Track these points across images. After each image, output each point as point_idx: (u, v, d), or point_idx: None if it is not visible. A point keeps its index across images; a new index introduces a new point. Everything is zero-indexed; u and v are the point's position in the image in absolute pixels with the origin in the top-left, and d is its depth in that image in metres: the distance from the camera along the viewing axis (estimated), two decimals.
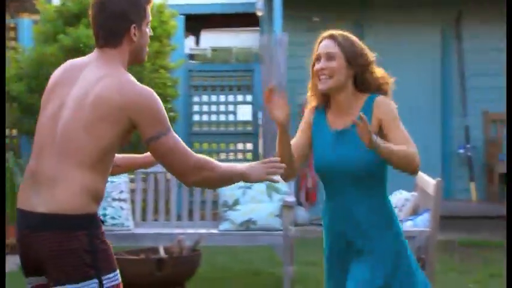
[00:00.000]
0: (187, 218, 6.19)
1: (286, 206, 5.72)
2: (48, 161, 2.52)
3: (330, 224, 3.06)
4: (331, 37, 3.03)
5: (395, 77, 3.10)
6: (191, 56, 13.81)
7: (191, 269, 5.24)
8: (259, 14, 9.31)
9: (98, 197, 2.53)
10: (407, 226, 4.82)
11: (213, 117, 9.97)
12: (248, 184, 5.69)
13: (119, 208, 5.80)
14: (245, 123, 10.18)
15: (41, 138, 2.57)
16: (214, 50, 16.24)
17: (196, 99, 9.74)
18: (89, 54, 2.68)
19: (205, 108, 9.81)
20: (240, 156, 10.10)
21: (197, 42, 12.40)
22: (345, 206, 2.99)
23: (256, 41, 13.03)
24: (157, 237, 5.67)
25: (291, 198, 5.86)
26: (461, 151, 8.60)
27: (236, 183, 2.80)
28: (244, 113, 10.27)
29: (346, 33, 3.07)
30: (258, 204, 5.97)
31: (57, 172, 2.49)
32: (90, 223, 2.50)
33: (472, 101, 8.75)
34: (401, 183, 5.12)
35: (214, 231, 5.94)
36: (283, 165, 2.74)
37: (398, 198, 5.19)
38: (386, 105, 2.96)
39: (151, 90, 2.57)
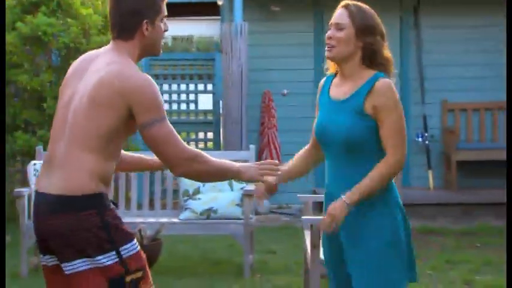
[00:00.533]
0: (148, 207, 6.19)
1: (246, 195, 5.75)
2: (60, 146, 2.66)
3: (327, 188, 3.12)
4: (346, 7, 3.04)
5: None
6: None
7: (152, 258, 5.24)
8: (220, 3, 9.30)
9: (105, 179, 2.66)
10: None
11: (174, 106, 9.96)
12: None
13: None
14: (206, 112, 10.19)
15: (56, 124, 2.72)
16: (175, 38, 16.18)
17: None
18: (104, 46, 2.81)
19: (166, 97, 9.78)
20: (201, 145, 10.10)
21: None
22: (338, 172, 3.05)
23: (217, 30, 13.03)
24: None
25: (252, 187, 5.89)
26: (419, 140, 8.71)
27: None
28: (205, 102, 10.27)
29: (362, 5, 3.06)
30: (219, 193, 6.00)
31: (67, 156, 2.63)
32: (99, 202, 2.63)
33: (430, 91, 8.87)
34: None
35: (175, 220, 5.95)
36: (279, 169, 2.85)
37: None
38: (384, 96, 2.94)
39: (150, 78, 2.66)
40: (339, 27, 3.00)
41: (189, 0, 9.66)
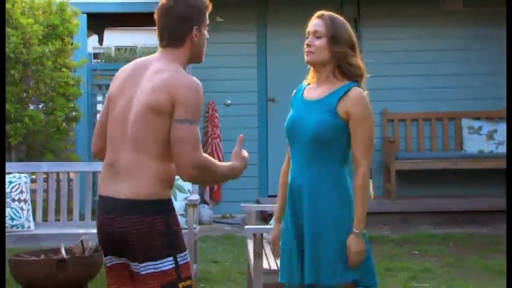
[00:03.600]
0: (90, 218, 6.15)
1: (190, 205, 5.76)
2: (123, 154, 2.77)
3: (291, 184, 3.24)
4: (321, 17, 3.27)
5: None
6: (95, 55, 13.63)
7: (93, 270, 5.20)
8: None
9: (170, 182, 2.79)
10: None
11: None
12: None
13: (18, 209, 5.71)
14: None
15: (114, 132, 2.82)
16: (118, 49, 16.09)
17: (100, 98, 9.65)
18: (153, 54, 2.91)
19: None
20: None
21: (101, 41, 12.25)
22: (304, 168, 3.17)
23: None
24: (59, 237, 5.61)
25: (195, 197, 5.91)
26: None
27: None
28: None
29: (335, 16, 3.29)
30: None
31: (132, 163, 2.75)
32: (166, 208, 2.77)
33: (371, 101, 8.99)
34: None
35: None
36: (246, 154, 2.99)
37: None
38: (357, 105, 3.16)
39: (199, 84, 2.76)
40: (316, 35, 3.23)
41: (133, 10, 9.63)
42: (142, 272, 2.74)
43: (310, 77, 3.33)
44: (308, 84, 3.34)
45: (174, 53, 2.84)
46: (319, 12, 3.29)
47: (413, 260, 6.63)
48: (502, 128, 8.76)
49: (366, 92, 3.25)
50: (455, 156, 8.75)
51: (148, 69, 2.82)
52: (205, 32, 2.92)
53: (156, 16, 2.87)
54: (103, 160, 2.98)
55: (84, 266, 5.12)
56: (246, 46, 9.11)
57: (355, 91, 3.18)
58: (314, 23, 3.26)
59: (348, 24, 3.28)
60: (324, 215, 3.13)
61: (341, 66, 3.21)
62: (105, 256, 2.89)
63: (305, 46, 3.25)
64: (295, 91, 3.39)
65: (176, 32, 2.83)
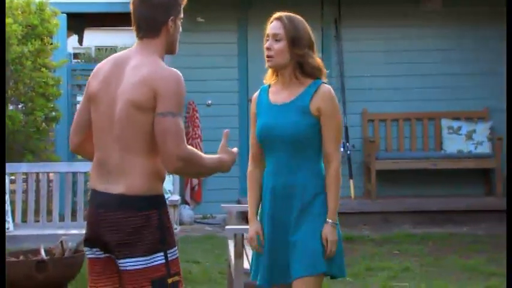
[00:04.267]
0: (70, 219, 6.12)
1: (171, 205, 5.75)
2: (112, 152, 2.77)
3: (269, 183, 3.31)
4: (279, 19, 3.29)
5: None
6: (75, 55, 13.56)
7: (73, 271, 5.18)
8: None
9: (161, 177, 2.80)
10: None
11: None
12: None
13: None
14: None
15: (101, 131, 2.82)
16: (98, 49, 16.02)
17: (79, 98, 9.60)
18: (131, 48, 2.89)
19: None
20: None
21: (80, 41, 12.19)
22: (281, 168, 3.27)
23: None
24: (39, 238, 5.58)
25: (176, 197, 5.90)
26: (341, 150, 8.86)
27: None
28: None
29: (293, 16, 3.31)
30: None
31: (122, 162, 2.75)
32: (159, 203, 2.79)
33: (351, 101, 9.05)
34: None
35: None
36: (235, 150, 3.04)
37: None
38: (327, 101, 3.24)
39: (179, 75, 2.75)
40: (276, 37, 3.25)
41: (113, 10, 9.59)
42: (132, 267, 2.75)
43: (269, 77, 3.37)
44: (269, 86, 3.37)
45: (152, 44, 2.83)
46: (277, 14, 3.31)
47: (393, 260, 6.66)
48: (481, 128, 8.82)
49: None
50: (435, 156, 8.81)
51: (128, 64, 2.81)
52: (180, 25, 2.91)
53: (131, 6, 2.88)
54: (82, 155, 3.00)
55: (64, 267, 5.10)
56: (227, 46, 9.10)
57: (325, 87, 3.26)
58: (273, 26, 3.29)
59: (305, 23, 3.32)
60: (312, 212, 3.23)
61: (302, 66, 3.26)
62: (91, 248, 2.86)
63: (265, 49, 3.28)
64: (256, 94, 3.41)
65: (152, 21, 2.83)
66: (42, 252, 5.18)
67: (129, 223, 2.73)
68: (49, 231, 5.78)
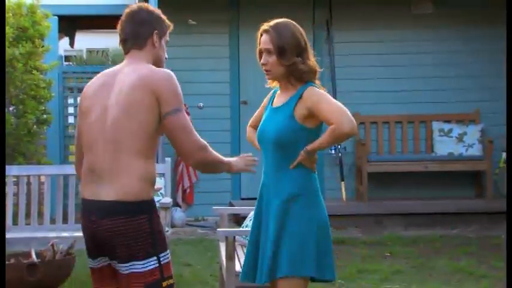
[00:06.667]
0: (61, 221, 6.11)
1: (162, 208, 5.74)
2: (103, 156, 2.83)
3: (263, 180, 3.39)
4: (267, 32, 3.33)
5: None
6: (66, 58, 13.54)
7: (64, 273, 5.18)
8: None
9: (152, 181, 2.86)
10: None
11: None
12: None
13: None
14: None
15: (91, 138, 2.89)
16: (90, 51, 16.01)
17: (71, 101, 9.59)
18: (119, 64, 3.02)
19: None
20: None
21: (72, 43, 12.17)
22: (270, 166, 3.34)
23: None
24: (30, 241, 5.57)
25: (168, 200, 5.90)
26: (332, 152, 8.90)
27: None
28: None
29: (280, 25, 3.34)
30: None
31: (114, 164, 2.80)
32: (150, 207, 2.83)
33: (343, 104, 9.03)
34: None
35: None
36: (257, 159, 3.24)
37: None
38: (311, 96, 3.26)
39: (172, 73, 2.88)
40: (268, 51, 3.32)
41: (104, 12, 9.59)
42: (126, 272, 2.79)
43: (271, 82, 3.47)
44: (279, 89, 3.48)
45: (139, 54, 2.97)
46: (264, 26, 3.35)
47: (384, 262, 6.68)
48: (472, 130, 8.86)
49: (324, 89, 3.37)
50: (426, 158, 8.84)
51: (120, 73, 2.92)
52: (165, 46, 3.05)
53: (119, 25, 3.03)
54: None
55: (55, 270, 5.09)
56: (219, 49, 9.11)
57: (307, 90, 3.29)
58: (263, 40, 3.34)
59: (294, 28, 3.34)
60: (288, 212, 3.26)
61: (293, 74, 3.32)
62: (93, 259, 2.93)
63: (261, 66, 3.36)
64: (269, 96, 3.54)
65: (138, 33, 2.98)
66: (34, 255, 5.17)
67: (122, 229, 2.78)
68: (40, 234, 5.77)
